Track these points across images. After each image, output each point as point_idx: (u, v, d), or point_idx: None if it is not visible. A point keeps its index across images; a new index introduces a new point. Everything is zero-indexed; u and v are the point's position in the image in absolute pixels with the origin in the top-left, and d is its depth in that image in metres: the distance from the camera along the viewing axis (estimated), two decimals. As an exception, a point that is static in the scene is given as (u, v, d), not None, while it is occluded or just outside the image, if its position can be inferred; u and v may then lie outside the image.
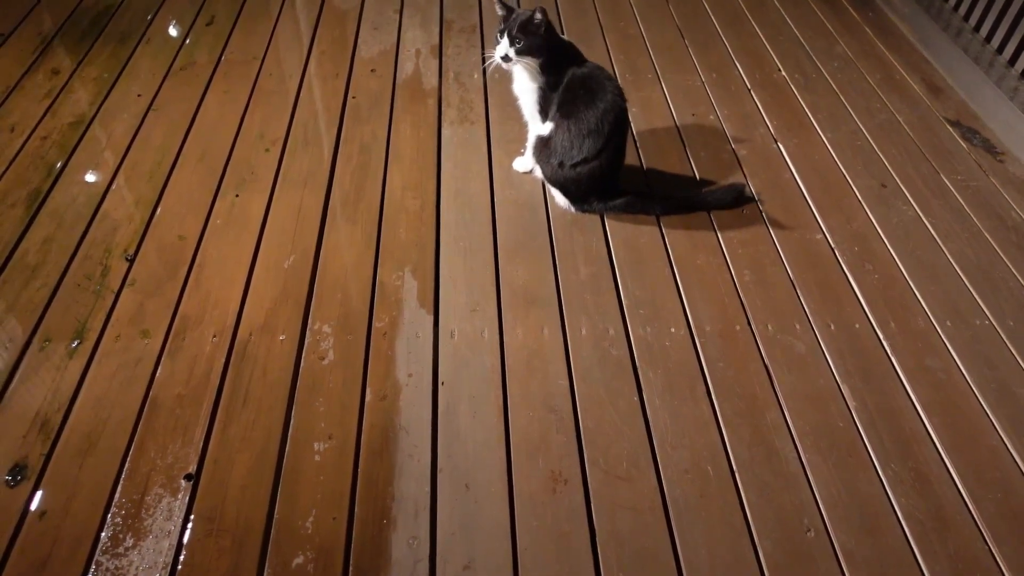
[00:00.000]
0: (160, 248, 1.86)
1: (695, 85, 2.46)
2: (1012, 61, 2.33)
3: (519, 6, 2.60)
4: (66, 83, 2.42)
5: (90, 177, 2.07)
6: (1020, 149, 2.20)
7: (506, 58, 1.77)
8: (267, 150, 2.16)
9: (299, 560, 1.29)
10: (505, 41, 1.76)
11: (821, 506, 1.39)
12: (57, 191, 2.02)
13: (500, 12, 1.79)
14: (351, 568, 1.28)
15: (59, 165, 2.10)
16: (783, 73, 2.53)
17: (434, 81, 2.46)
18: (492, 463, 1.43)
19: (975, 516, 1.38)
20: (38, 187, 2.03)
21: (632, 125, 2.28)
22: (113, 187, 2.03)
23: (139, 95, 2.38)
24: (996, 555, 1.32)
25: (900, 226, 1.96)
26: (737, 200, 1.99)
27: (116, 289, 1.75)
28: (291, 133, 2.23)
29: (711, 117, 2.32)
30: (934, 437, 1.50)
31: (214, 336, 1.65)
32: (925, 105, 2.40)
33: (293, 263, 1.82)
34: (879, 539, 1.34)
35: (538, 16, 1.72)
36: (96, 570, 1.27)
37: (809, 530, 1.35)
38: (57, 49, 2.59)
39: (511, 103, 1.98)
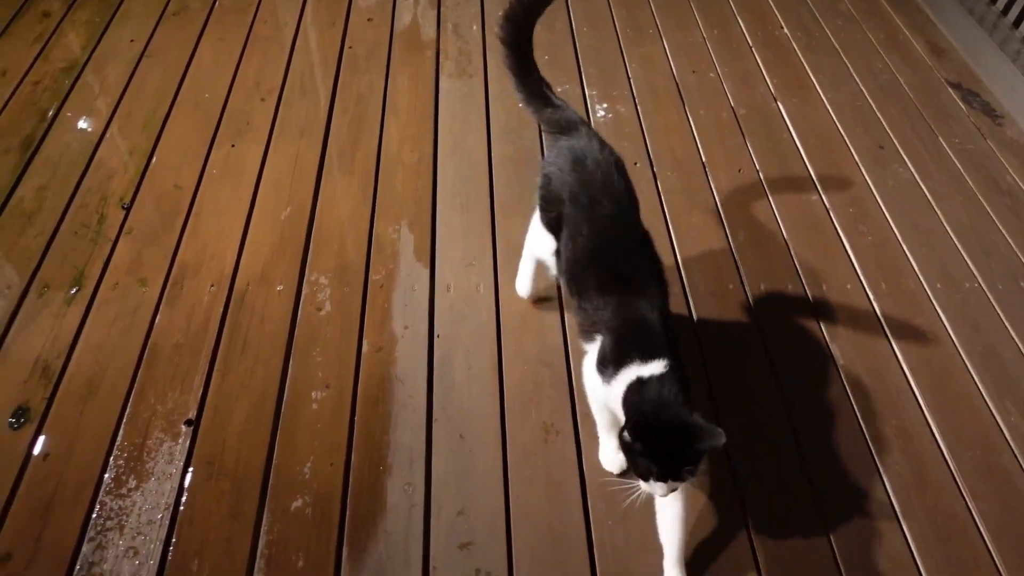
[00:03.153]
0: (156, 197, 1.85)
1: (696, 41, 2.43)
2: (1017, 23, 2.30)
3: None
4: (57, 26, 2.38)
5: (83, 124, 2.05)
6: (1020, 112, 2.20)
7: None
8: (263, 99, 2.14)
9: (298, 504, 1.32)
10: (662, 484, 1.09)
11: (808, 464, 1.43)
12: (51, 138, 2.00)
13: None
14: (348, 512, 1.32)
15: (52, 112, 2.07)
16: (785, 31, 2.50)
17: (432, 32, 2.42)
18: (486, 414, 1.46)
19: (954, 473, 1.42)
20: (31, 133, 2.01)
21: (632, 82, 2.25)
22: (107, 135, 2.01)
23: (132, 40, 2.33)
24: (972, 510, 1.37)
25: (896, 188, 1.97)
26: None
27: (113, 237, 1.75)
28: (287, 82, 2.20)
29: (711, 75, 2.30)
30: (919, 396, 1.53)
31: (212, 286, 1.66)
32: (927, 66, 2.39)
33: (290, 214, 1.82)
34: (862, 496, 1.38)
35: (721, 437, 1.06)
36: (100, 510, 1.31)
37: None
38: (47, -9, 2.53)
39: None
